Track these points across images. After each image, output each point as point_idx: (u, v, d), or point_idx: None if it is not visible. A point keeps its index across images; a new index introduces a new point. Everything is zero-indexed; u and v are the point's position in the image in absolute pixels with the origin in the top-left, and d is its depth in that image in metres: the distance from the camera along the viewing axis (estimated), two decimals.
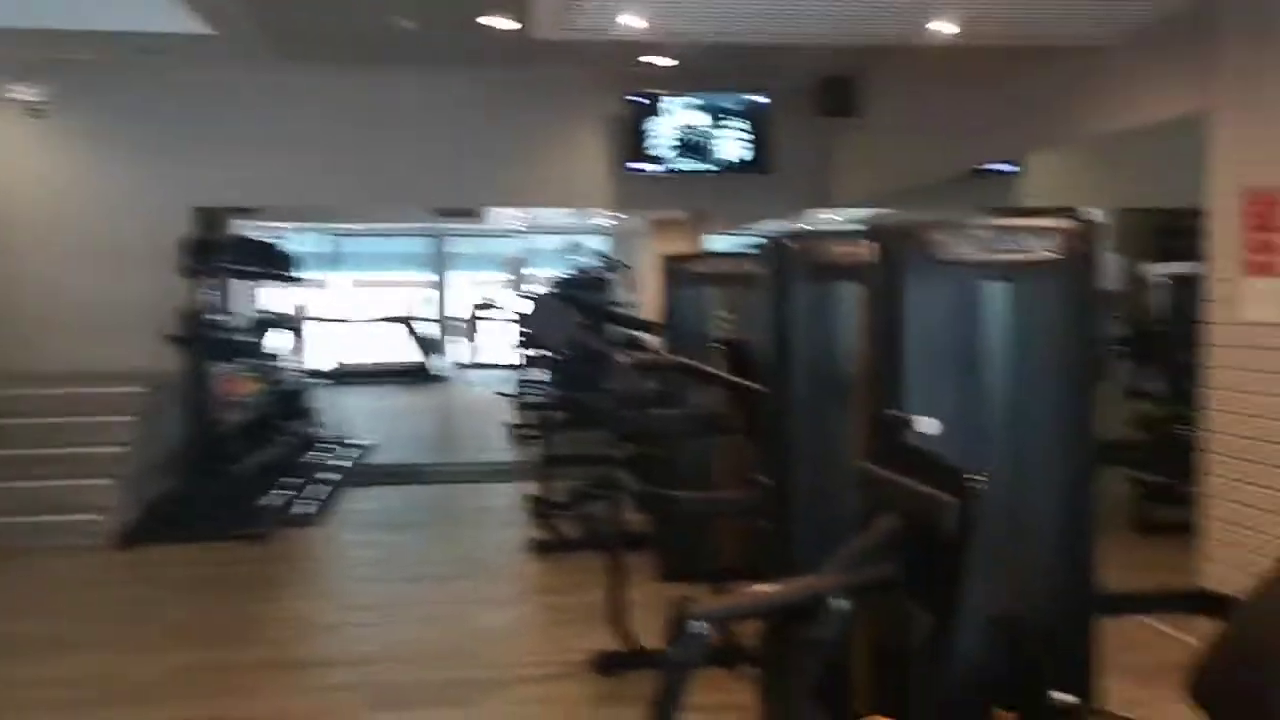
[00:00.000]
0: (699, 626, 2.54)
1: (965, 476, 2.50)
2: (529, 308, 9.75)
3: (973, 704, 3.34)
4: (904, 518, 2.65)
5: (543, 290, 12.20)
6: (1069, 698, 3.18)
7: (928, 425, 2.67)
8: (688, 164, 9.84)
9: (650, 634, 4.98)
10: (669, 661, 2.56)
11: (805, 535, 4.08)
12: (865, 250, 4.07)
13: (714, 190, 9.97)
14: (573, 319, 4.58)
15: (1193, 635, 4.85)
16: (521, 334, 11.40)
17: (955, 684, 3.33)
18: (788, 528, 4.08)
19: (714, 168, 9.91)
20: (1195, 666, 3.03)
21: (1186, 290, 6.49)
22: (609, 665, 4.81)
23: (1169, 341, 7.15)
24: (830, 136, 9.73)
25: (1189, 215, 5.56)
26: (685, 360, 4.67)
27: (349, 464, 10.14)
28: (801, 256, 4.08)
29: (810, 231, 4.19)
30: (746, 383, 4.38)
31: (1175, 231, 9.06)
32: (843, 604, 2.60)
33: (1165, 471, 6.43)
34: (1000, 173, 9.41)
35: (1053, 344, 3.35)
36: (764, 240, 4.19)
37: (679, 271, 6.34)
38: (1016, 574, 3.27)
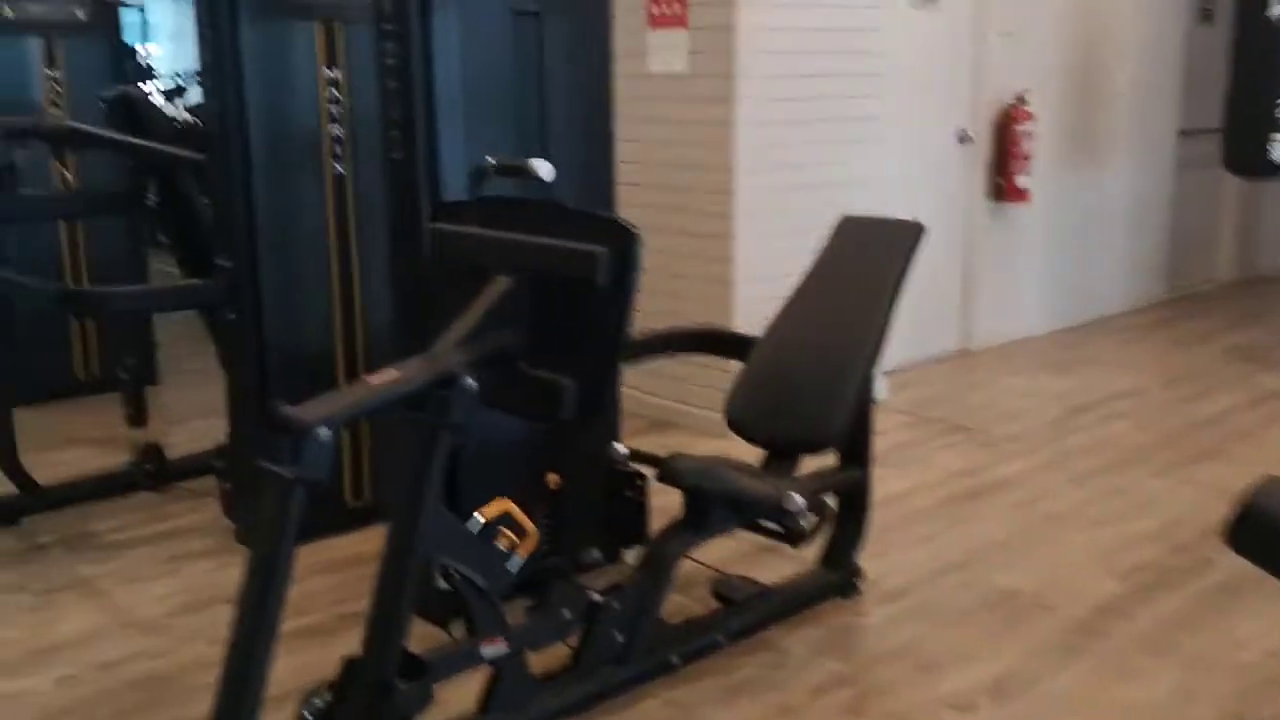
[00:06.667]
0: (325, 434, 2.06)
1: (617, 222, 2.26)
2: None
3: (530, 472, 3.20)
4: (527, 277, 2.35)
5: None
6: (622, 448, 3.18)
7: (544, 170, 2.34)
8: None
9: (51, 469, 4.09)
10: (289, 480, 2.06)
11: (280, 321, 3.53)
12: None
13: None
14: None
15: None
16: None
17: (520, 455, 3.15)
18: (259, 315, 3.49)
19: None
20: (728, 396, 3.20)
21: None
22: (7, 513, 3.86)
23: None
24: None
25: None
26: (74, 124, 3.68)
27: None
28: None
29: None
30: (173, 149, 3.58)
31: None
32: (470, 382, 2.27)
33: None
34: None
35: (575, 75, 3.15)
36: None
37: None
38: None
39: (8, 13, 4.92)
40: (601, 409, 2.26)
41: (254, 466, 2.18)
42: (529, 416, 2.46)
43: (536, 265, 2.31)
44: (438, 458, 2.28)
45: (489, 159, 2.46)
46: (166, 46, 13.00)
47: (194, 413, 4.99)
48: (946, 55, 5.69)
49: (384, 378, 2.22)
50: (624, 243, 2.21)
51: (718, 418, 4.95)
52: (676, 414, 4.92)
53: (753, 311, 4.63)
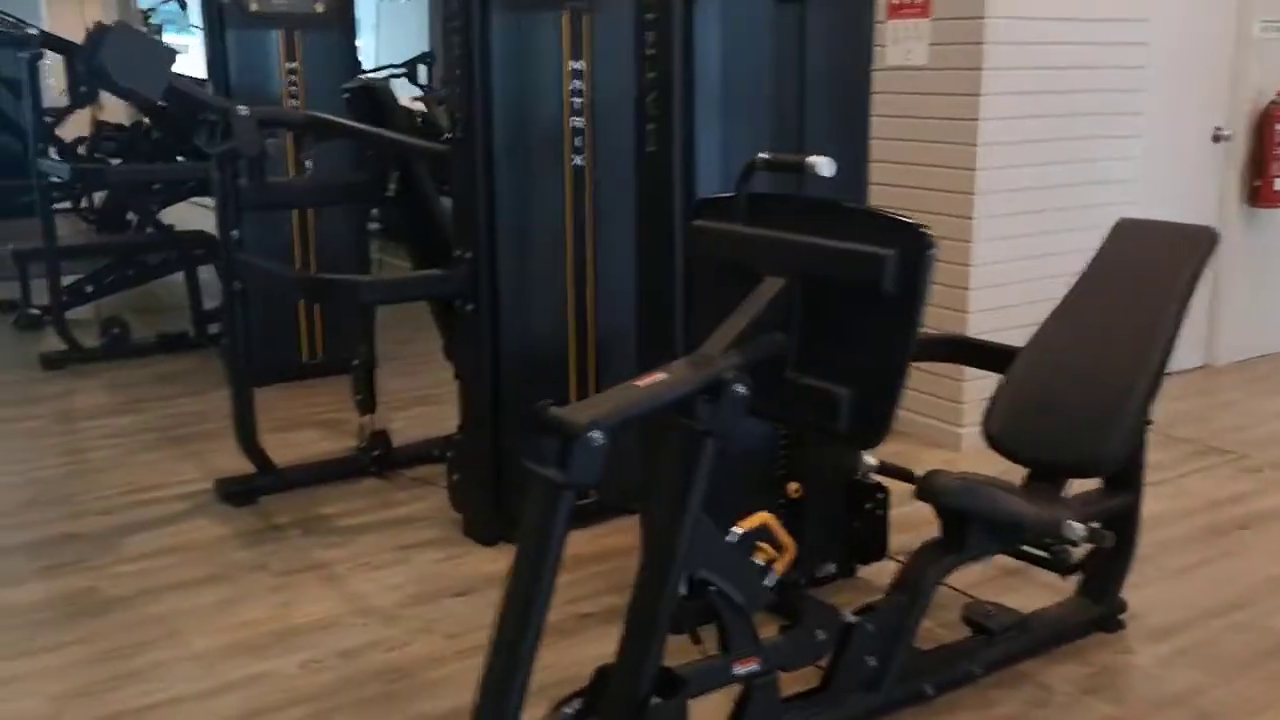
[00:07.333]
0: (597, 438, 1.97)
1: (906, 223, 2.10)
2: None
3: (771, 480, 3.07)
4: (802, 279, 2.21)
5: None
6: (870, 459, 3.02)
7: (825, 166, 2.21)
8: None
9: (282, 450, 4.19)
10: (559, 484, 1.97)
11: (515, 314, 3.51)
12: None
13: None
14: (169, 59, 3.39)
15: None
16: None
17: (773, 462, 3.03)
18: (495, 308, 3.47)
19: None
20: (987, 411, 3.00)
21: None
22: (243, 492, 3.97)
23: None
24: None
25: None
26: (324, 115, 3.74)
27: None
28: None
29: None
30: (416, 140, 3.60)
31: None
32: (740, 388, 2.15)
33: None
34: None
35: (835, 66, 2.99)
36: None
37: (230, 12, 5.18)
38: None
39: (254, 6, 5.08)
40: (885, 424, 2.10)
41: (521, 466, 2.12)
42: (799, 426, 2.32)
43: (816, 268, 2.17)
44: (703, 465, 2.17)
45: (762, 154, 2.32)
46: (369, 39, 13.44)
47: (413, 399, 5.07)
48: (1204, 47, 5.27)
49: (652, 380, 2.12)
50: (914, 247, 2.05)
51: (946, 428, 4.77)
52: (903, 422, 4.71)
53: (988, 319, 4.39)
